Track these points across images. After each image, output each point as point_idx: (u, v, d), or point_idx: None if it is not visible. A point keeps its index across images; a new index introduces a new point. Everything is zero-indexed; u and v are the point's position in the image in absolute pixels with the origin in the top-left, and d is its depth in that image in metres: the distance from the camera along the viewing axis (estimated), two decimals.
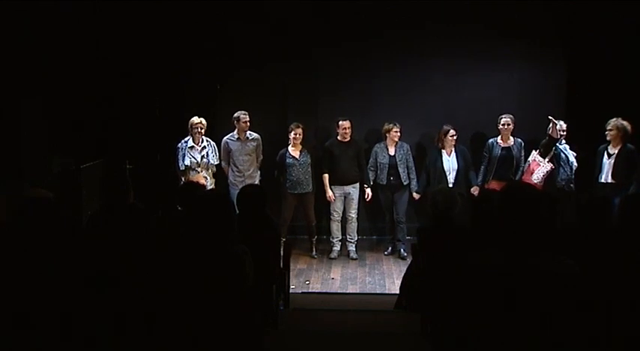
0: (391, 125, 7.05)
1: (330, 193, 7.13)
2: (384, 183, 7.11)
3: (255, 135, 7.20)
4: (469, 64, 7.55)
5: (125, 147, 7.09)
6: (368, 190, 7.17)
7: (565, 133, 6.82)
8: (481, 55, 7.52)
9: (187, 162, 6.89)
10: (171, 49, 7.22)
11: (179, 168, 6.96)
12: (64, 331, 2.71)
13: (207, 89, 7.59)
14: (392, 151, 7.09)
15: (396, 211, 7.20)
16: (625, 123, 6.44)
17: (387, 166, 7.06)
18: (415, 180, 7.14)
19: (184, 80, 7.43)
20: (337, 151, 7.08)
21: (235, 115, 7.07)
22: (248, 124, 7.07)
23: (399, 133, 7.04)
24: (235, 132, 7.12)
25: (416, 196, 7.14)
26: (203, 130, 6.93)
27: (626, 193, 6.15)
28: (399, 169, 7.05)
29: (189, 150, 6.92)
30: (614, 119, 6.47)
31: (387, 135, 7.08)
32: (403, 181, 7.08)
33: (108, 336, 2.77)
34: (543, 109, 7.40)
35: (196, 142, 6.94)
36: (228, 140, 7.14)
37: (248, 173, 7.10)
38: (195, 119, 6.93)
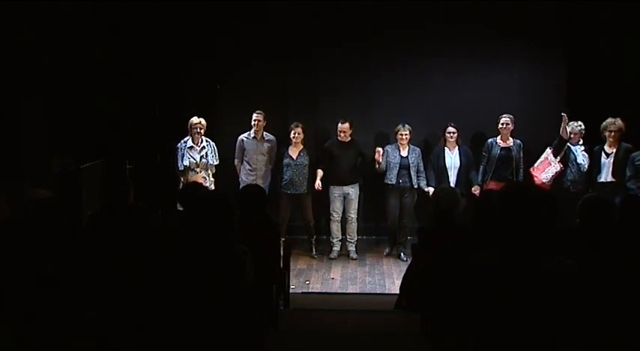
0: (399, 126, 7.05)
1: (318, 183, 7.06)
2: (393, 183, 7.08)
3: (271, 137, 7.24)
4: (469, 64, 7.54)
5: (125, 147, 7.09)
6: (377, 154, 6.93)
7: (583, 133, 6.74)
8: (481, 55, 7.52)
9: (186, 162, 6.90)
10: (171, 49, 7.21)
11: (178, 168, 6.97)
12: (64, 330, 2.71)
13: (207, 89, 7.59)
14: (404, 153, 7.08)
15: (402, 214, 7.19)
16: (622, 122, 6.46)
17: (397, 165, 7.03)
18: (425, 180, 7.10)
19: (184, 80, 7.43)
20: (337, 151, 7.08)
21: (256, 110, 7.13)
22: (258, 123, 7.07)
23: (406, 136, 7.01)
24: (252, 131, 7.14)
25: (430, 189, 6.99)
26: (202, 131, 6.95)
27: (626, 193, 6.17)
28: (411, 171, 7.04)
29: (188, 150, 6.94)
30: (614, 120, 6.47)
31: (396, 136, 7.09)
32: (414, 183, 7.07)
33: (108, 336, 2.77)
34: (543, 109, 7.43)
35: (195, 143, 6.95)
36: (243, 138, 7.19)
37: (260, 173, 7.12)
38: (195, 119, 6.94)
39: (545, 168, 6.85)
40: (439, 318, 3.75)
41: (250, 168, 7.14)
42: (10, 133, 5.85)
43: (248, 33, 7.42)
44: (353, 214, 7.21)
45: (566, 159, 6.74)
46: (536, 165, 6.93)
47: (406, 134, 7.01)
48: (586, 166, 6.71)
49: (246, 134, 7.20)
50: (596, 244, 3.31)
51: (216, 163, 7.08)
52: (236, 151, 7.21)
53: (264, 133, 7.19)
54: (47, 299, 2.71)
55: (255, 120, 7.08)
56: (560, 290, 2.28)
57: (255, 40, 7.43)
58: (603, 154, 6.57)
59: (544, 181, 6.77)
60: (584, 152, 6.74)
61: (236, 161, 7.22)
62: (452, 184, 6.85)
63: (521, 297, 2.29)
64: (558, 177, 6.75)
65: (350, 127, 7.03)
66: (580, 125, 6.73)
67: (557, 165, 6.73)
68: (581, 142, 6.77)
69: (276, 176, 7.24)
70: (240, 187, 6.97)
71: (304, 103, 7.76)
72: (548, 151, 6.84)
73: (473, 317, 2.40)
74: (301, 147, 7.10)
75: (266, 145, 7.18)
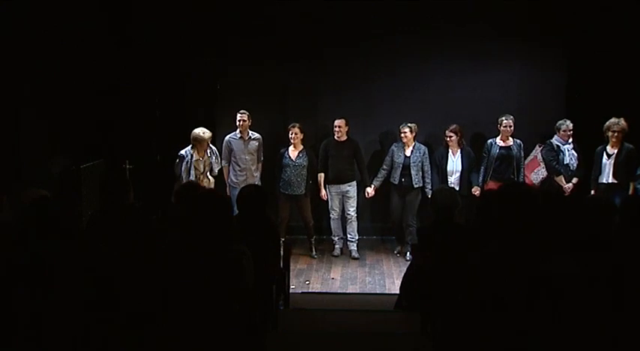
0: (401, 126, 7.05)
1: (323, 192, 7.15)
2: (396, 183, 7.10)
3: (257, 135, 7.21)
4: (469, 65, 7.54)
5: (125, 147, 7.09)
6: (368, 189, 7.16)
7: (572, 132, 6.74)
8: (481, 55, 7.52)
9: (192, 175, 6.68)
10: (171, 49, 7.22)
11: (182, 178, 6.70)
12: (64, 330, 2.71)
13: (207, 89, 7.59)
14: (408, 153, 7.09)
15: (405, 214, 7.17)
16: (625, 123, 6.45)
17: (401, 165, 7.05)
18: (430, 184, 7.05)
19: (184, 80, 7.42)
20: (333, 150, 7.08)
21: (241, 110, 7.08)
22: (242, 123, 7.04)
23: (405, 134, 6.99)
24: (237, 131, 7.12)
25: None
26: (209, 145, 6.85)
27: (627, 193, 6.17)
28: (412, 170, 7.02)
29: (194, 163, 6.72)
30: (617, 120, 6.45)
31: (400, 136, 7.10)
32: (414, 183, 7.03)
33: (108, 336, 2.77)
34: (543, 109, 7.43)
35: (201, 155, 6.79)
36: (230, 139, 7.15)
37: (250, 173, 7.10)
38: (206, 134, 6.71)
39: (535, 168, 6.89)
40: (439, 318, 3.75)
41: (240, 168, 7.11)
42: (9, 133, 5.85)
43: (248, 33, 7.42)
44: (352, 212, 7.21)
45: (558, 158, 6.77)
46: (526, 162, 7.01)
47: (405, 133, 7.01)
48: (575, 165, 6.73)
49: (232, 134, 7.16)
50: (596, 244, 3.31)
51: (218, 168, 7.01)
52: (223, 152, 7.14)
53: (250, 132, 7.16)
54: (47, 299, 2.71)
55: (239, 120, 7.04)
56: (559, 290, 2.27)
57: (255, 40, 7.43)
58: (605, 155, 6.54)
59: (534, 182, 6.81)
60: (573, 151, 6.75)
61: (224, 162, 7.14)
62: (455, 187, 6.84)
63: (521, 297, 2.28)
64: (547, 180, 6.80)
65: (345, 124, 7.01)
66: (569, 124, 6.74)
67: (544, 170, 6.82)
68: (570, 140, 6.76)
69: (266, 174, 7.22)
70: (230, 190, 6.98)
71: (304, 103, 7.76)
72: (537, 149, 6.88)
73: (473, 317, 2.40)
74: (301, 148, 7.09)
75: (253, 143, 7.15)
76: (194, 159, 6.74)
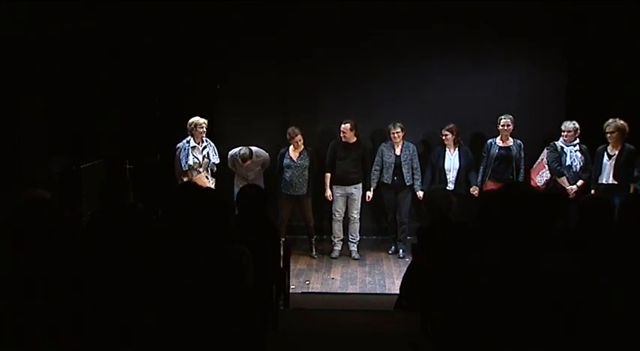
0: (390, 126, 7.06)
1: (328, 192, 7.15)
2: (389, 182, 7.13)
3: (262, 156, 7.17)
4: (469, 65, 7.54)
5: (125, 147, 7.08)
6: (369, 193, 7.19)
7: (577, 132, 6.65)
8: (481, 55, 7.52)
9: (191, 161, 6.81)
10: (171, 49, 7.22)
11: (182, 168, 6.84)
12: (63, 331, 2.71)
13: (207, 89, 7.59)
14: (398, 151, 7.10)
15: (399, 211, 7.22)
16: (624, 123, 6.41)
17: (392, 165, 7.08)
18: (419, 180, 7.13)
19: (184, 80, 7.42)
20: (341, 151, 7.07)
21: (241, 153, 6.97)
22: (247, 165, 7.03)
23: (398, 134, 7.02)
24: None
25: (420, 194, 7.08)
26: (205, 131, 6.91)
27: (627, 194, 6.16)
28: (404, 169, 7.07)
29: (191, 150, 6.85)
30: (613, 120, 6.43)
31: (390, 136, 7.10)
32: (406, 181, 7.10)
33: (107, 336, 2.76)
34: (543, 109, 7.42)
35: (198, 143, 6.89)
36: (235, 159, 7.10)
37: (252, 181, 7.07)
38: (200, 119, 6.85)
39: (540, 170, 6.86)
40: (439, 318, 3.75)
41: (244, 179, 7.07)
42: (9, 134, 5.85)
43: (248, 33, 7.42)
44: (356, 214, 7.21)
45: (560, 160, 6.72)
46: (534, 166, 6.97)
47: (398, 133, 7.03)
48: (578, 166, 6.66)
49: (237, 154, 7.07)
50: (596, 244, 3.31)
51: (217, 161, 7.05)
52: (229, 163, 7.18)
53: (255, 152, 7.08)
54: (46, 300, 2.71)
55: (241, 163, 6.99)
56: (559, 290, 2.27)
57: (256, 40, 7.43)
58: (606, 155, 6.51)
59: (538, 184, 6.79)
60: (577, 152, 6.67)
61: (229, 165, 7.20)
62: (451, 185, 6.87)
63: (521, 297, 2.28)
64: (551, 182, 6.77)
65: (351, 129, 6.96)
66: (574, 124, 6.67)
67: (548, 172, 6.78)
68: (576, 141, 6.71)
69: (267, 175, 7.23)
70: (234, 188, 6.98)
71: (304, 104, 7.75)
72: (545, 152, 6.85)
73: (473, 317, 2.40)
74: (301, 148, 7.08)
75: (256, 163, 7.12)
76: (191, 145, 6.83)
